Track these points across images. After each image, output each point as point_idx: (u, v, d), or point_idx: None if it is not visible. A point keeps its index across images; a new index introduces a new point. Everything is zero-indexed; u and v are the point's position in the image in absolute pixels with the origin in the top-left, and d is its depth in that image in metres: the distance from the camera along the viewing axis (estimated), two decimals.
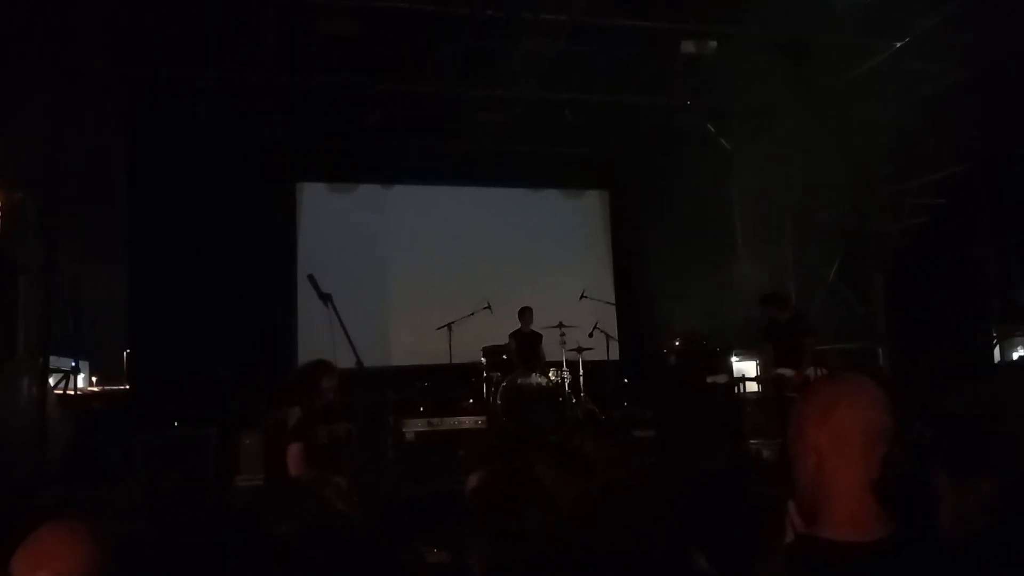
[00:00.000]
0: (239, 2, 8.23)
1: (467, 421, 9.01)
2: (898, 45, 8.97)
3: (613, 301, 11.65)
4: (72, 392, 9.18)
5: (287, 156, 10.64)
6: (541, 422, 8.73)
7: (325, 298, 5.45)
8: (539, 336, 10.09)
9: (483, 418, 9.04)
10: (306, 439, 4.80)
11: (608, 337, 10.51)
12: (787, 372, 8.19)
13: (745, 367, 10.74)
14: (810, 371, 8.03)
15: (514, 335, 10.08)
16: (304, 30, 8.63)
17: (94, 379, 11.34)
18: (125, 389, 10.11)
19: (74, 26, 8.04)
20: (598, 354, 10.29)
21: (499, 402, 9.23)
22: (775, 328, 8.50)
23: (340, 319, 5.29)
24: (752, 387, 10.52)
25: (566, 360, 9.77)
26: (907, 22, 8.66)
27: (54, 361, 8.52)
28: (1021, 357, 9.58)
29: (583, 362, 9.93)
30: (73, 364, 9.33)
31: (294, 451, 4.73)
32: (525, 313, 10.12)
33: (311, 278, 5.62)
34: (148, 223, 10.05)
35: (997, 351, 9.63)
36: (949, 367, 8.48)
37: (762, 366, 9.64)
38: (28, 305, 7.99)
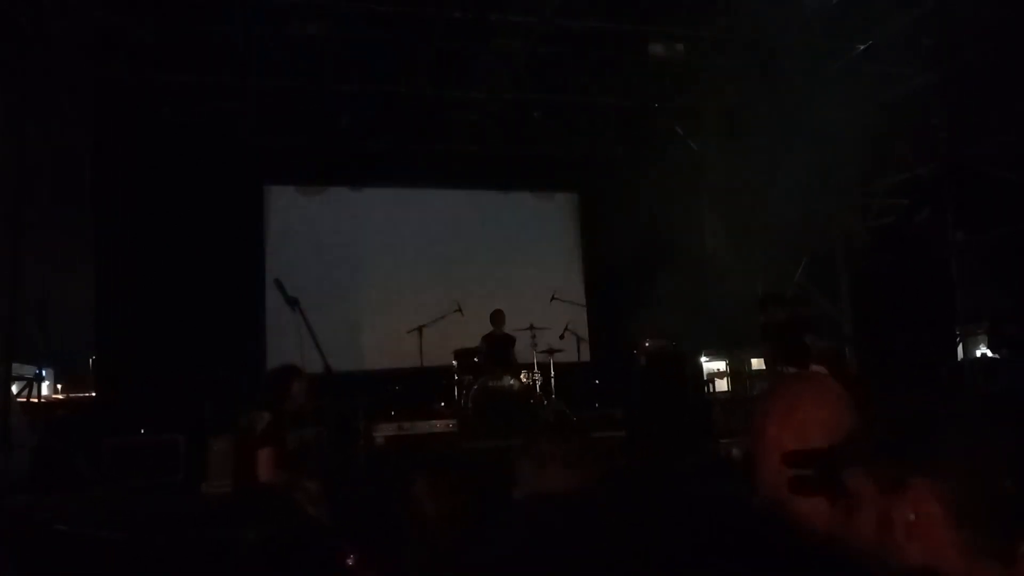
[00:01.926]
0: (207, 4, 8.16)
1: (438, 424, 8.99)
2: (864, 48, 9.07)
3: (584, 303, 11.67)
4: (36, 400, 9.05)
5: (255, 158, 10.57)
6: (512, 425, 8.74)
7: (292, 303, 5.43)
8: (511, 339, 10.08)
9: (454, 421, 9.02)
10: (276, 444, 4.76)
11: (579, 339, 10.53)
12: (791, 370, 8.10)
13: (715, 367, 10.81)
14: (816, 368, 7.96)
15: (486, 338, 10.07)
16: (273, 32, 8.59)
17: (59, 386, 11.19)
18: (91, 396, 9.98)
19: (39, 27, 7.93)
20: (569, 356, 10.31)
21: (470, 405, 9.21)
22: (775, 327, 8.51)
23: (308, 323, 5.27)
24: (722, 387, 10.60)
25: (537, 362, 9.78)
26: (873, 25, 8.76)
27: (17, 368, 8.38)
28: (984, 354, 9.72)
29: (554, 364, 9.94)
30: (37, 371, 9.20)
31: (264, 456, 4.68)
32: (497, 316, 10.10)
33: (278, 283, 5.60)
34: (115, 227, 9.93)
35: (960, 349, 9.77)
36: (914, 365, 8.59)
37: (767, 365, 9.62)
38: None
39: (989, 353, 9.55)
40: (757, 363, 10.47)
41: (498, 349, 9.96)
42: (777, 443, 1.55)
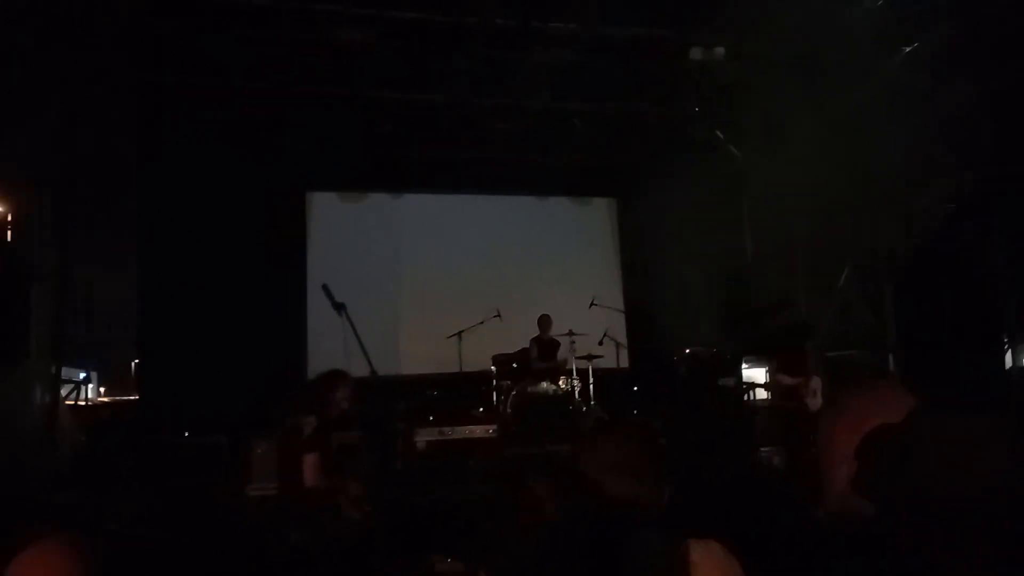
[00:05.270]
0: (252, 10, 8.26)
1: (478, 430, 9.00)
2: (908, 51, 8.96)
3: (622, 309, 11.65)
4: (83, 403, 9.17)
5: (298, 165, 10.70)
6: (551, 430, 8.73)
7: (339, 307, 5.46)
8: (558, 344, 10.11)
9: (494, 427, 9.03)
10: (321, 448, 4.78)
11: (618, 345, 10.51)
12: (786, 379, 8.18)
13: (755, 374, 10.71)
14: (813, 380, 7.98)
15: (535, 340, 10.11)
16: (316, 39, 8.67)
17: (103, 389, 11.34)
18: (134, 398, 10.10)
19: (88, 31, 8.07)
20: (608, 362, 10.29)
21: (509, 410, 9.23)
22: (774, 337, 8.51)
23: (354, 328, 5.30)
24: (762, 394, 10.49)
25: (576, 368, 9.78)
26: (918, 33, 8.66)
27: (66, 372, 8.51)
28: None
29: (593, 370, 9.92)
30: (84, 375, 9.32)
31: (311, 460, 4.70)
32: (544, 320, 10.14)
33: (325, 288, 5.64)
34: (160, 230, 10.09)
35: (1009, 357, 9.58)
36: (960, 376, 8.44)
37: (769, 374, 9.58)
38: (41, 310, 8.00)
39: None
40: None
41: (546, 353, 10.00)
42: (846, 454, 1.54)
